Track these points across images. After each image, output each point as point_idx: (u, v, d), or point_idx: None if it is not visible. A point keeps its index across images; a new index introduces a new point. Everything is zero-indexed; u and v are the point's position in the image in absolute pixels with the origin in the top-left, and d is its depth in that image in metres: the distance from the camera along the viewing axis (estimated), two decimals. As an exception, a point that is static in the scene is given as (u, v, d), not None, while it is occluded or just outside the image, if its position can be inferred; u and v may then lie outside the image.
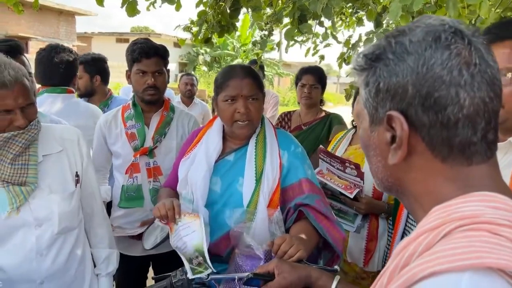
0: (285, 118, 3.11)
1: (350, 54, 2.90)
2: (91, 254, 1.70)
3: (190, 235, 1.47)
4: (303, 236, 1.45)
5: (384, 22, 2.70)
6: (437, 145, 0.58)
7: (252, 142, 1.65)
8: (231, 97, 1.58)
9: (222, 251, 1.59)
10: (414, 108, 0.57)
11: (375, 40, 2.66)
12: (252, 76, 1.62)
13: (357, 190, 1.97)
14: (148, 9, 2.60)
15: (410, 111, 0.58)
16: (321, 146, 2.23)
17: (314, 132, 2.85)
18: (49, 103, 2.33)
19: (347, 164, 1.97)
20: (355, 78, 0.67)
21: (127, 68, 2.16)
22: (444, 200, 0.56)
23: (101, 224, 1.71)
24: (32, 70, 2.08)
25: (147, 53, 2.04)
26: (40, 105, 2.26)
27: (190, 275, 1.39)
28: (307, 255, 1.36)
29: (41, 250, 1.47)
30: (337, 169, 2.04)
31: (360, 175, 1.95)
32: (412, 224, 1.63)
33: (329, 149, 2.31)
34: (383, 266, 1.89)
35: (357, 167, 1.94)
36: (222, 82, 1.61)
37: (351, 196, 1.96)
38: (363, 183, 1.98)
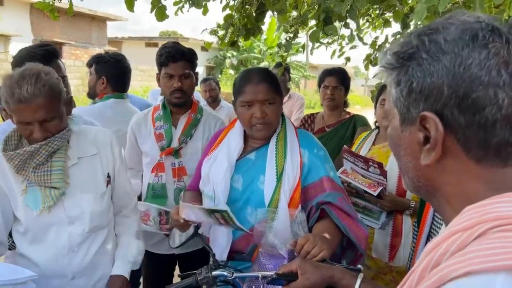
0: (308, 120, 3.10)
1: (377, 55, 2.88)
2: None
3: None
4: (326, 235, 1.46)
5: (411, 24, 2.66)
6: (473, 147, 0.57)
7: (273, 141, 1.67)
8: (247, 103, 1.61)
9: (244, 248, 1.62)
10: (450, 109, 0.56)
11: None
12: (267, 80, 1.63)
13: (381, 188, 2.02)
14: (176, 14, 2.65)
15: (446, 112, 0.57)
16: (345, 146, 2.25)
17: (337, 134, 2.83)
18: (116, 108, 2.49)
19: (370, 163, 2.01)
20: (383, 76, 0.66)
21: (156, 72, 2.24)
22: (477, 201, 0.55)
23: (129, 216, 1.76)
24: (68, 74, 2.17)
25: (173, 57, 2.10)
26: (107, 109, 2.44)
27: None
28: (330, 254, 1.36)
29: (73, 247, 1.53)
30: (361, 168, 2.08)
31: (383, 174, 2.00)
32: (437, 225, 1.62)
33: (353, 149, 2.35)
34: (408, 262, 1.90)
35: (380, 166, 1.99)
36: (239, 88, 1.64)
37: (375, 194, 2.01)
38: (386, 181, 2.03)
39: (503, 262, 0.47)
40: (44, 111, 1.39)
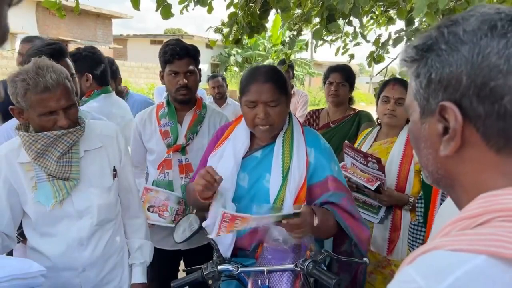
0: (313, 116, 3.11)
1: (380, 53, 2.88)
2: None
3: None
4: (327, 217, 1.51)
5: (416, 21, 2.66)
6: (493, 136, 0.56)
7: (280, 139, 1.67)
8: (251, 102, 1.59)
9: (248, 245, 1.63)
10: (469, 99, 0.56)
11: (405, 39, 2.64)
12: (273, 80, 1.60)
13: (379, 182, 2.05)
14: (181, 12, 2.68)
15: (464, 101, 0.56)
16: (346, 141, 2.27)
17: (342, 130, 2.85)
18: (107, 104, 2.44)
19: (369, 158, 2.04)
20: (405, 70, 0.67)
21: (161, 69, 2.24)
22: None
23: (137, 216, 1.79)
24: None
25: (178, 54, 2.11)
26: (101, 106, 2.37)
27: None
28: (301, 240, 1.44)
29: (82, 240, 1.56)
30: (360, 163, 2.12)
31: (381, 169, 2.03)
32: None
33: (355, 145, 2.37)
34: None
35: (379, 161, 2.02)
36: (244, 86, 1.63)
37: (373, 188, 2.04)
38: (385, 176, 2.05)
39: (487, 248, 0.49)
40: (66, 98, 1.44)
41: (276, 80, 1.61)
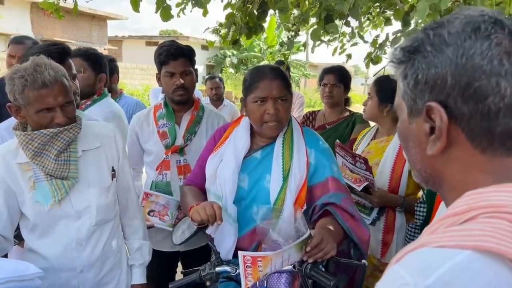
0: (310, 117, 3.11)
1: (378, 54, 2.89)
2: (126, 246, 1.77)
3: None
4: (332, 229, 1.49)
5: (412, 22, 2.67)
6: (477, 136, 0.58)
7: (279, 139, 1.66)
8: (260, 99, 1.59)
9: (248, 245, 1.62)
10: (454, 99, 0.57)
11: (402, 40, 2.65)
12: (281, 77, 1.62)
13: (366, 183, 2.02)
14: (178, 15, 2.66)
15: (450, 101, 0.58)
16: (337, 140, 2.25)
17: (337, 131, 2.84)
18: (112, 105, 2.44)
19: (357, 158, 2.03)
20: (393, 71, 0.68)
21: (156, 71, 2.23)
22: None
23: (135, 217, 1.78)
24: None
25: (173, 55, 2.10)
26: (114, 106, 2.38)
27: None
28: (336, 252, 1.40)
29: (81, 241, 1.55)
30: (349, 163, 2.10)
31: (369, 169, 2.01)
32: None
33: (355, 144, 2.36)
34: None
35: (366, 161, 2.00)
36: (252, 84, 1.62)
37: (359, 189, 2.02)
38: (373, 177, 2.02)
39: (472, 243, 0.50)
40: (63, 95, 1.44)
41: (284, 77, 1.63)
